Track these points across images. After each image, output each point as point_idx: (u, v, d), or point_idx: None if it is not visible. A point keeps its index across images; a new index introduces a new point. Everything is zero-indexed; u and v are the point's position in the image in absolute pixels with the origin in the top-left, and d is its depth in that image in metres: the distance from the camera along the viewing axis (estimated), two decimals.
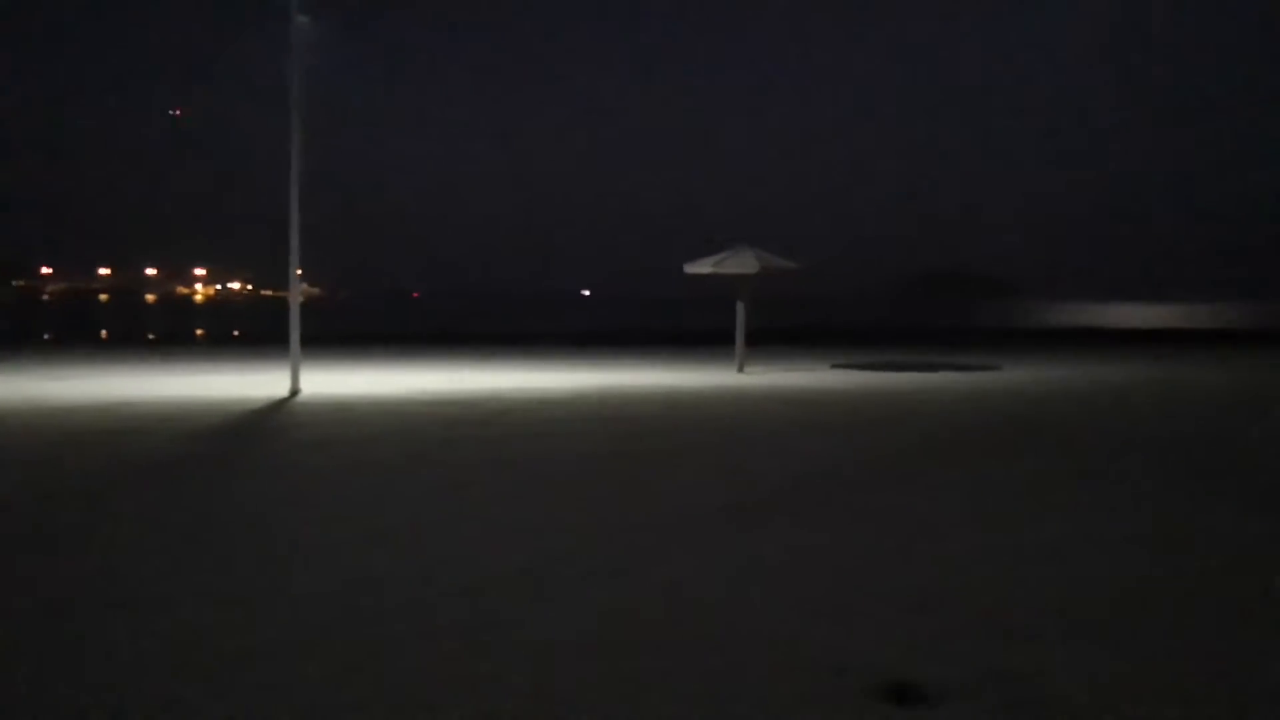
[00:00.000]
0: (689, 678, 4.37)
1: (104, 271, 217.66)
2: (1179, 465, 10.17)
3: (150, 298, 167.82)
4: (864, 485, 8.92)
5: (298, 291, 17.35)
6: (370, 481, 9.07)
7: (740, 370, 21.99)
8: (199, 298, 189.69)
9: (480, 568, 6.15)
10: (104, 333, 48.88)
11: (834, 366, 24.07)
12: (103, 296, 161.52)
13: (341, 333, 42.69)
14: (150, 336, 43.34)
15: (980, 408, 15.24)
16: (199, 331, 51.64)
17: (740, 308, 22.23)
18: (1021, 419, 13.89)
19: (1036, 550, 6.64)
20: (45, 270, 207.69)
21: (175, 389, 17.15)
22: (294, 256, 16.99)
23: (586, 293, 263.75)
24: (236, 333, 49.91)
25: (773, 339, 34.21)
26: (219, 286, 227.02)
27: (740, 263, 21.52)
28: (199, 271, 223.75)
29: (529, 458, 10.34)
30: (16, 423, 12.63)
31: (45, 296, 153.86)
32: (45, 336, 42.46)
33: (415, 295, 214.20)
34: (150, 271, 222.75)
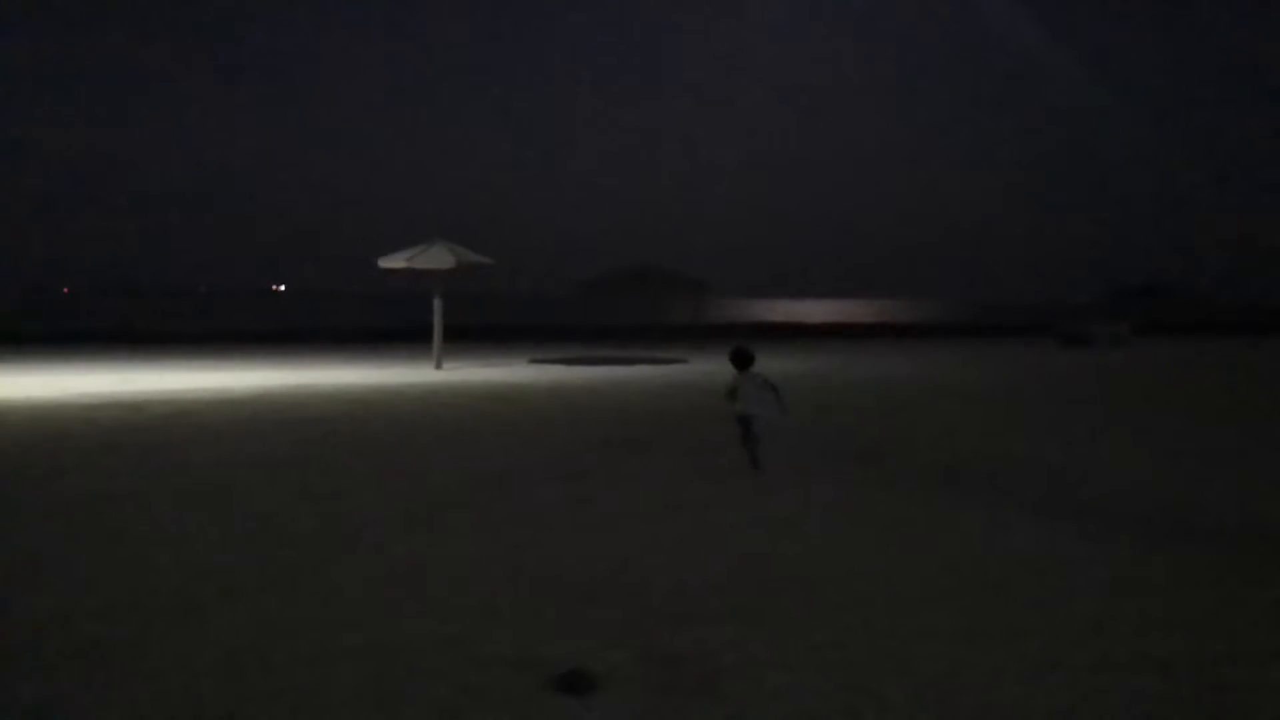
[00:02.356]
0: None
1: None
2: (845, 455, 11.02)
3: None
4: (542, 479, 9.08)
5: None
6: (18, 499, 8.28)
7: (438, 367, 21.78)
8: None
9: (106, 597, 5.78)
10: None
11: (532, 361, 24.34)
12: None
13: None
14: None
15: (667, 397, 15.87)
16: None
17: (437, 303, 22.02)
18: (706, 409, 14.56)
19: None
20: None
21: None
22: None
23: (281, 288, 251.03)
24: None
25: (473, 335, 34.13)
26: None
27: (435, 257, 21.29)
28: None
29: (200, 465, 9.78)
30: None
31: None
32: None
33: (65, 291, 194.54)
34: None
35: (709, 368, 22.97)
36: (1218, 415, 14.24)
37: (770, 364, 24.43)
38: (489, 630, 4.95)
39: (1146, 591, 5.69)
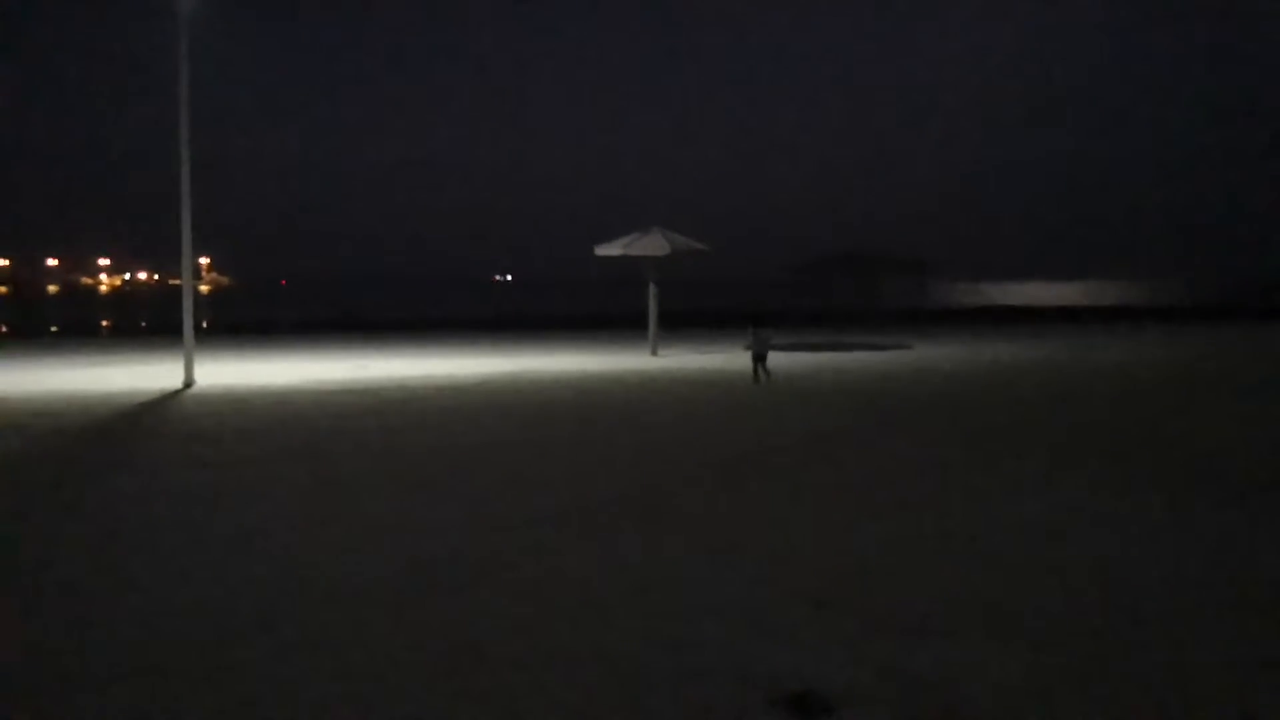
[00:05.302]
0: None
1: (1, 263, 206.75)
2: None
3: (52, 289, 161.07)
4: (766, 469, 8.70)
5: (190, 279, 16.65)
6: (251, 479, 8.54)
7: (654, 353, 21.71)
8: (104, 288, 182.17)
9: (331, 583, 5.76)
10: (2, 326, 46.70)
11: (747, 348, 23.89)
12: (1, 289, 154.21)
13: (252, 322, 41.46)
14: (53, 329, 41.57)
15: (894, 384, 15.20)
16: (104, 323, 49.66)
17: (652, 290, 21.95)
18: (940, 396, 13.83)
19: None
20: None
21: (68, 382, 16.32)
22: (186, 244, 16.30)
23: (508, 277, 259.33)
24: (143, 324, 48.05)
25: (687, 321, 34.05)
26: (125, 276, 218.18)
27: (650, 244, 21.19)
28: (103, 261, 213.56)
29: (421, 450, 9.91)
30: None
31: None
32: None
33: (283, 282, 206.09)
34: (51, 262, 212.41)
35: (935, 353, 21.97)
36: None
37: (1005, 349, 23.17)
38: (710, 637, 4.61)
39: None
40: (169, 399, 14.18)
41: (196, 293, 17.10)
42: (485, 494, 7.86)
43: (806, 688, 3.92)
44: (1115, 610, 4.97)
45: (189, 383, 15.86)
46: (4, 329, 42.23)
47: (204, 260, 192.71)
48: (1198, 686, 4.02)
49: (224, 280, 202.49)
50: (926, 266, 34.90)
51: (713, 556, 6.01)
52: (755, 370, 15.54)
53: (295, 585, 5.49)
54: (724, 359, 20.77)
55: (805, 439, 10.36)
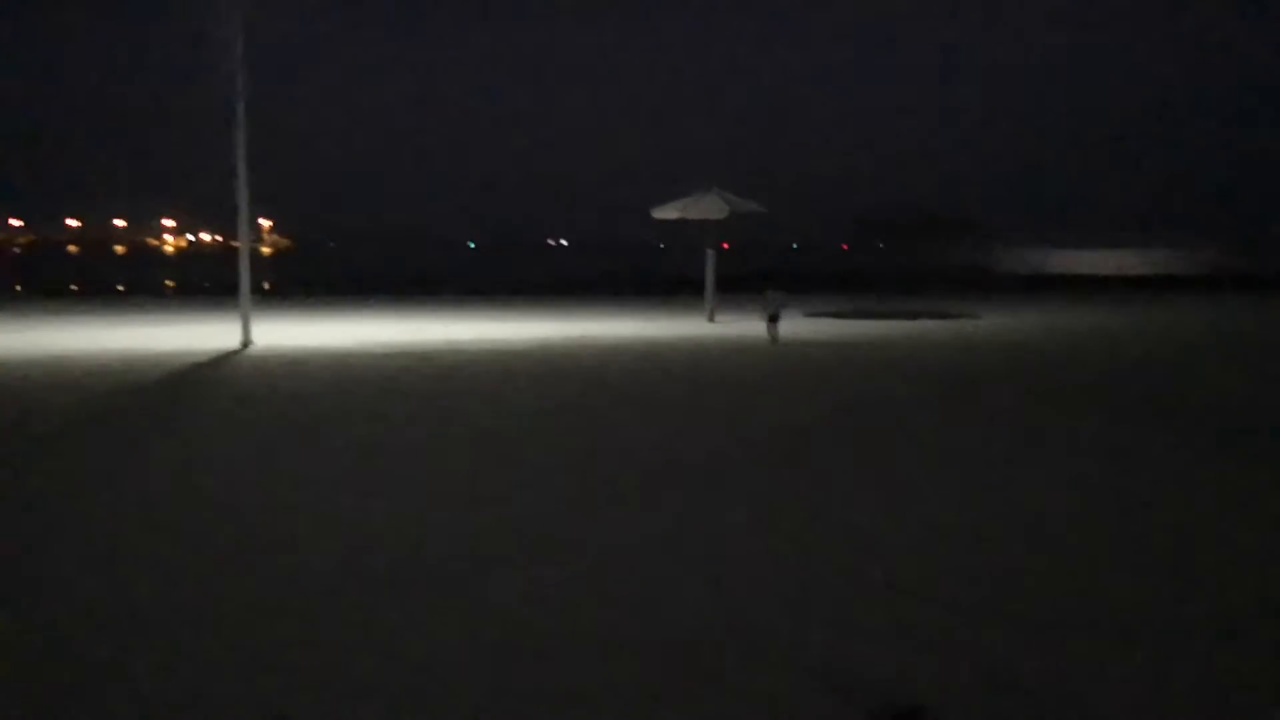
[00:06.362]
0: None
1: (72, 223, 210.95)
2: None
3: (120, 249, 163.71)
4: (830, 443, 8.30)
5: (246, 240, 16.51)
6: (300, 439, 8.32)
7: (711, 319, 21.26)
8: (169, 249, 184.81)
9: (343, 569, 5.46)
10: (74, 286, 47.27)
11: (808, 315, 23.30)
12: (71, 248, 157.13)
13: (314, 283, 41.63)
14: (119, 288, 42.01)
15: (959, 355, 14.65)
16: (169, 283, 50.12)
17: (709, 254, 21.45)
18: (1012, 368, 13.28)
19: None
20: (15, 222, 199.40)
21: (124, 341, 16.27)
22: (242, 204, 16.24)
23: (563, 241, 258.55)
24: (207, 284, 48.38)
25: (743, 285, 33.53)
26: (190, 238, 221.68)
27: (707, 206, 20.63)
28: (168, 223, 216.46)
29: (473, 416, 9.61)
30: None
31: (16, 250, 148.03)
32: (17, 288, 41.12)
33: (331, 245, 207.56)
34: (119, 223, 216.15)
35: (1004, 323, 21.29)
36: None
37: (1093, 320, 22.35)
38: (789, 631, 4.22)
39: None
40: (225, 359, 14.05)
41: (258, 254, 16.94)
42: (539, 466, 7.54)
43: (913, 707, 3.48)
44: None
45: (246, 343, 15.76)
46: (75, 288, 42.71)
47: (265, 222, 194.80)
48: None
49: (285, 242, 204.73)
50: (986, 229, 33.90)
51: (786, 540, 5.62)
52: (770, 326, 16.65)
53: (345, 566, 5.22)
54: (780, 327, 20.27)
55: (874, 410, 9.94)
